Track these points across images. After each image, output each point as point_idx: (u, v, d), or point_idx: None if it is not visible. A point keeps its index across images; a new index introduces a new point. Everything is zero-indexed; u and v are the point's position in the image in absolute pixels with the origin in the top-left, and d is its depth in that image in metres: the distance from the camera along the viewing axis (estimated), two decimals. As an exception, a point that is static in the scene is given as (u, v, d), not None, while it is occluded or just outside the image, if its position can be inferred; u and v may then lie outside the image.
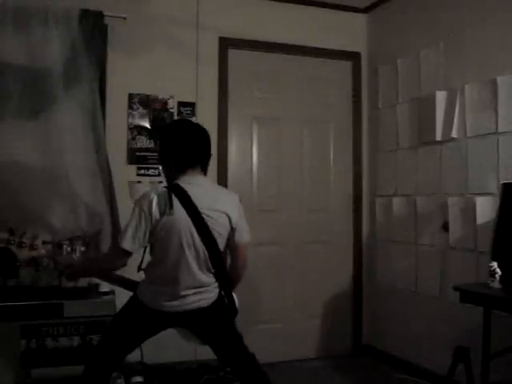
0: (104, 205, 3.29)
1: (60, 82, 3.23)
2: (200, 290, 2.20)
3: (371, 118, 4.26)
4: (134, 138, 3.61)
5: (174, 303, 2.17)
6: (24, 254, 2.14)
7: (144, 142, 3.63)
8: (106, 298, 3.04)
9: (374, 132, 4.19)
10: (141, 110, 3.63)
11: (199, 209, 2.15)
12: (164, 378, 3.29)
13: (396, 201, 3.88)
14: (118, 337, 2.25)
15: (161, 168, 2.41)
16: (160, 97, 3.67)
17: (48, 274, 3.06)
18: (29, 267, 3.07)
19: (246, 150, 3.98)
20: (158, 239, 2.15)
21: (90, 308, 2.96)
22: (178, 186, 2.18)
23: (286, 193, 4.06)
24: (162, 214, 2.10)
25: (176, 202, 2.12)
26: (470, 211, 3.16)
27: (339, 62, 4.25)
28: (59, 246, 3.18)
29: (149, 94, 3.64)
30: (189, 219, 2.13)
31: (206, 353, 2.34)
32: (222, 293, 2.29)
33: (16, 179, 3.10)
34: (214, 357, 2.33)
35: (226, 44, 3.87)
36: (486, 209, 3.03)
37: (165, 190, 2.16)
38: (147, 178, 3.61)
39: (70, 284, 3.03)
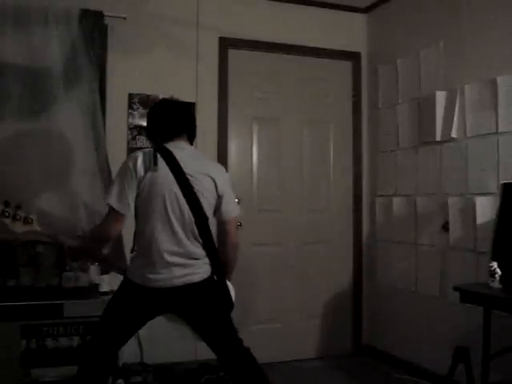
0: (104, 204, 3.29)
1: (60, 82, 3.23)
2: (188, 261, 2.14)
3: (371, 117, 4.26)
4: (134, 138, 3.62)
5: (161, 276, 2.11)
6: (18, 227, 2.11)
7: (144, 141, 3.62)
8: (105, 298, 3.03)
9: (374, 132, 4.20)
10: (141, 110, 3.63)
11: (184, 169, 2.15)
12: (164, 378, 3.29)
13: (396, 201, 3.88)
14: (109, 321, 2.20)
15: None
16: (160, 97, 3.64)
17: (48, 273, 3.06)
18: (29, 267, 3.08)
19: (246, 150, 3.99)
20: (142, 198, 2.13)
21: (90, 308, 2.95)
22: (164, 147, 2.21)
23: (286, 193, 4.06)
24: (146, 170, 2.11)
25: (161, 160, 2.14)
26: (470, 211, 3.16)
27: (339, 62, 4.25)
28: (59, 245, 3.18)
29: (149, 94, 3.64)
30: (173, 177, 2.13)
31: (205, 353, 2.33)
32: (215, 277, 2.23)
33: (16, 179, 3.10)
34: (214, 357, 2.31)
35: (226, 44, 3.87)
36: (486, 209, 3.03)
37: (151, 149, 2.20)
38: (147, 177, 3.60)
39: (70, 284, 3.03)
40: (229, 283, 2.33)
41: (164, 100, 2.47)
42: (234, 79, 3.90)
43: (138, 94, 3.62)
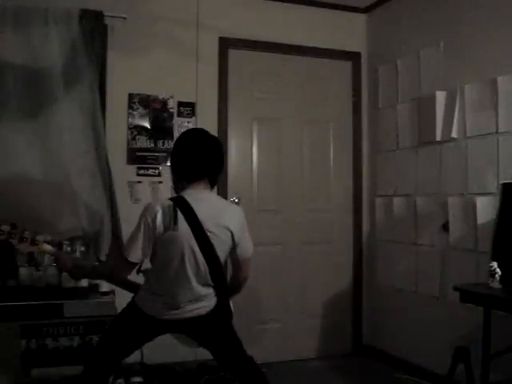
0: (104, 205, 3.30)
1: (60, 82, 3.23)
2: (198, 300, 2.20)
3: (371, 117, 4.26)
4: (134, 138, 3.61)
5: (172, 312, 2.17)
6: (24, 248, 2.13)
7: (144, 142, 3.63)
8: (105, 298, 3.04)
9: (374, 132, 4.20)
10: (141, 110, 3.63)
11: (203, 225, 2.13)
12: (164, 378, 3.29)
13: (396, 201, 3.88)
14: (116, 341, 2.24)
15: (171, 178, 2.37)
16: (160, 97, 3.67)
17: (48, 273, 3.06)
18: (29, 267, 3.07)
19: (246, 150, 3.98)
20: (160, 252, 2.13)
21: (90, 308, 2.95)
22: (183, 199, 2.15)
23: (286, 193, 4.06)
24: (166, 228, 2.09)
25: (181, 218, 2.10)
26: (470, 211, 3.16)
27: (339, 62, 4.25)
28: (59, 245, 3.18)
29: (149, 94, 3.64)
30: (192, 235, 2.11)
31: (205, 353, 2.34)
32: (220, 299, 2.27)
33: (16, 179, 3.10)
34: (214, 357, 2.33)
35: (226, 44, 3.87)
36: (486, 209, 3.03)
37: (170, 203, 2.12)
38: (147, 178, 3.61)
39: (70, 284, 3.03)
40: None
41: (195, 132, 2.36)
42: (233, 79, 3.90)
43: (138, 94, 3.62)
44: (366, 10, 4.28)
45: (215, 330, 2.26)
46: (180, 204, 2.13)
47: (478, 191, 3.13)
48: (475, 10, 3.21)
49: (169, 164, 2.33)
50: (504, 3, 3.02)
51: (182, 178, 2.24)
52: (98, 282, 3.11)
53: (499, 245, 2.72)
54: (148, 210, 2.12)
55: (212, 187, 2.30)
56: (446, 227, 3.36)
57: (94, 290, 3.09)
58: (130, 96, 3.61)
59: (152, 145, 3.64)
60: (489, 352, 2.71)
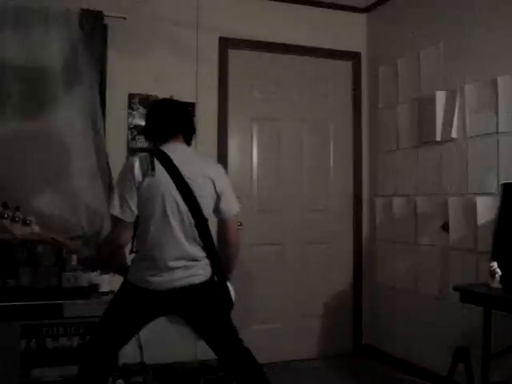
0: (104, 205, 3.29)
1: (60, 82, 3.23)
2: (189, 263, 2.15)
3: (371, 117, 4.26)
4: (133, 138, 3.61)
5: (162, 278, 2.12)
6: (17, 229, 2.12)
7: (144, 141, 3.62)
8: (105, 298, 3.04)
9: (374, 132, 4.20)
10: (141, 110, 3.62)
11: (181, 172, 2.14)
12: (164, 378, 3.29)
13: (396, 201, 3.88)
14: (110, 322, 2.20)
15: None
16: (160, 97, 3.65)
17: (48, 273, 3.06)
18: (29, 267, 3.08)
19: (245, 150, 3.99)
20: (142, 203, 2.12)
21: (90, 308, 2.95)
22: (160, 150, 2.20)
23: (286, 193, 4.06)
24: (144, 175, 2.11)
25: (158, 165, 2.13)
26: (470, 211, 3.16)
27: (339, 62, 4.25)
28: (59, 245, 3.18)
29: (149, 94, 3.64)
30: (171, 181, 2.13)
31: (205, 353, 2.33)
32: (215, 278, 2.24)
33: (16, 179, 3.10)
34: (214, 357, 2.31)
35: (226, 44, 3.87)
36: (486, 209, 3.03)
37: (147, 154, 2.18)
38: (147, 178, 3.60)
39: (70, 284, 3.04)
40: (229, 284, 2.32)
41: (161, 100, 2.47)
42: (234, 79, 3.90)
43: (138, 94, 3.62)
44: (366, 9, 4.28)
45: (209, 305, 2.21)
46: (157, 153, 2.18)
47: (478, 191, 3.13)
48: (475, 10, 3.21)
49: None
50: (504, 3, 3.02)
51: (157, 139, 2.29)
52: (98, 281, 3.12)
53: (499, 245, 2.72)
54: (126, 164, 2.18)
55: (188, 145, 2.35)
56: (445, 227, 3.36)
57: (93, 289, 3.09)
58: (130, 96, 3.61)
59: (152, 145, 3.63)
60: (489, 352, 2.71)
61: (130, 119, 3.61)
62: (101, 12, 3.39)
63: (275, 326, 3.99)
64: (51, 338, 2.94)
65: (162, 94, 3.63)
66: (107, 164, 3.36)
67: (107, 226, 3.27)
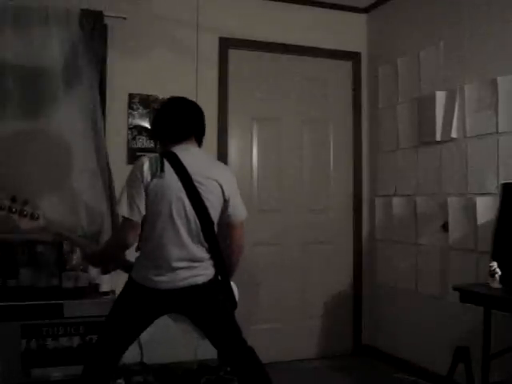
0: (104, 204, 3.29)
1: (60, 82, 3.23)
2: (193, 264, 2.15)
3: (371, 117, 4.26)
4: (134, 138, 3.61)
5: (166, 278, 2.12)
6: (25, 223, 2.11)
7: (144, 141, 3.62)
8: (105, 297, 3.04)
9: (374, 132, 4.20)
10: (141, 110, 3.63)
11: (191, 174, 2.14)
12: (164, 378, 3.29)
13: (396, 201, 3.88)
14: (115, 322, 2.20)
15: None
16: (160, 97, 3.66)
17: (48, 273, 3.06)
18: (29, 267, 3.08)
19: (245, 150, 3.99)
20: (149, 203, 2.12)
21: (90, 308, 2.96)
22: (171, 152, 2.19)
23: (286, 193, 4.06)
24: (152, 176, 2.10)
25: (167, 166, 2.13)
26: (470, 211, 3.16)
27: (339, 62, 4.25)
28: (59, 245, 3.18)
29: (149, 94, 3.64)
30: (180, 184, 2.12)
31: (205, 353, 2.33)
32: (219, 278, 2.24)
33: (16, 179, 3.10)
34: (214, 357, 2.32)
35: (226, 44, 3.87)
36: (486, 209, 3.03)
37: (157, 155, 2.18)
38: (147, 178, 3.60)
39: (70, 284, 3.04)
40: (232, 283, 2.33)
41: (175, 98, 2.42)
42: (233, 79, 3.90)
43: (138, 94, 3.62)
44: (366, 9, 4.28)
45: (212, 304, 2.21)
46: (167, 155, 2.17)
47: (478, 191, 3.13)
48: (475, 10, 3.21)
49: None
50: (504, 3, 3.02)
51: (169, 141, 2.26)
52: (98, 281, 3.12)
53: (499, 245, 2.72)
54: (136, 164, 2.18)
55: (199, 146, 2.32)
56: (445, 227, 3.36)
57: (93, 289, 3.09)
58: (130, 96, 3.61)
59: (152, 145, 3.63)
60: (489, 352, 2.71)
61: (130, 119, 3.61)
62: (101, 12, 3.39)
63: (275, 325, 3.99)
64: (51, 338, 2.94)
65: (162, 94, 3.66)
66: (107, 164, 3.36)
67: (107, 226, 3.28)
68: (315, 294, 4.10)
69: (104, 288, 3.09)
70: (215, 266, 2.23)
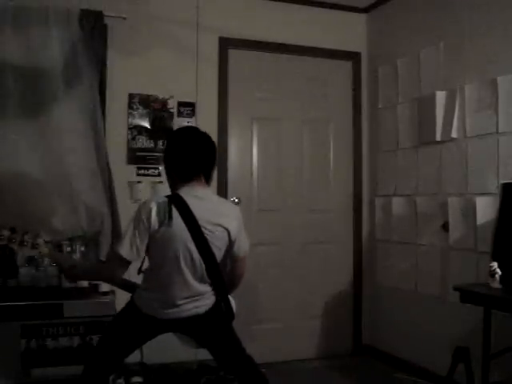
0: (104, 205, 3.29)
1: (60, 82, 3.23)
2: (196, 298, 2.19)
3: (371, 117, 4.26)
4: (133, 138, 3.61)
5: (170, 311, 2.16)
6: (25, 252, 2.13)
7: (144, 142, 3.62)
8: (105, 297, 3.04)
9: (374, 132, 4.20)
10: (141, 110, 3.63)
11: (199, 222, 2.11)
12: (164, 378, 3.29)
13: (396, 201, 3.88)
14: (116, 341, 2.23)
15: (166, 178, 2.35)
16: (160, 97, 3.67)
17: (48, 273, 3.06)
18: (29, 267, 3.08)
19: (245, 150, 3.98)
20: (155, 249, 2.12)
21: (90, 308, 2.96)
22: (178, 196, 2.14)
23: (286, 193, 4.06)
24: (160, 224, 2.07)
25: (175, 214, 2.09)
26: (470, 211, 3.16)
27: (339, 62, 4.25)
28: (59, 245, 3.18)
29: (149, 94, 3.64)
30: (187, 232, 2.10)
31: (205, 353, 2.34)
32: (219, 298, 2.27)
33: (16, 179, 3.10)
34: (214, 357, 2.33)
35: (226, 44, 3.87)
36: (486, 209, 3.03)
37: (165, 199, 2.12)
38: (147, 177, 3.61)
39: (71, 284, 3.03)
40: (230, 297, 2.33)
41: (184, 131, 2.37)
42: (233, 79, 3.90)
43: (138, 94, 3.62)
44: (366, 9, 4.28)
45: (214, 329, 2.26)
46: (175, 200, 2.12)
47: (478, 191, 3.13)
48: (475, 10, 3.21)
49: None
50: (504, 3, 3.02)
51: (178, 178, 2.22)
52: (98, 282, 3.11)
53: (499, 245, 2.72)
54: (143, 206, 2.12)
55: (207, 184, 2.28)
56: (445, 227, 3.36)
57: (93, 289, 3.09)
58: (130, 96, 3.61)
59: (152, 145, 3.64)
60: (489, 352, 2.71)
61: (129, 119, 3.61)
62: (101, 12, 3.39)
63: (275, 325, 3.99)
64: (51, 338, 2.94)
65: (162, 94, 3.67)
66: (107, 164, 3.36)
67: (107, 226, 3.28)
68: (315, 293, 4.10)
69: (104, 288, 3.09)
70: (217, 294, 2.25)
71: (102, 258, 3.26)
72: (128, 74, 3.56)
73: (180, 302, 2.16)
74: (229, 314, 2.29)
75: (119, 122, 3.58)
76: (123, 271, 2.15)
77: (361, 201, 4.27)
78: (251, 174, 3.99)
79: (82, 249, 3.24)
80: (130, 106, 3.61)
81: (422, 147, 3.61)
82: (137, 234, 2.07)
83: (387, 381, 3.63)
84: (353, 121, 4.29)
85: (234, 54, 3.90)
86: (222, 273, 2.25)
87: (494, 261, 2.62)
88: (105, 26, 3.44)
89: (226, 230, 2.20)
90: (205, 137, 2.26)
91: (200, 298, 2.20)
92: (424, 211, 3.58)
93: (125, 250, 2.07)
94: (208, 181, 2.27)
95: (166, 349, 3.33)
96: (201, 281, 2.18)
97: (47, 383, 2.90)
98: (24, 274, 3.03)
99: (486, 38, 3.12)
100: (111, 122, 3.51)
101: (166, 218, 2.07)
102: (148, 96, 3.64)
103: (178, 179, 2.22)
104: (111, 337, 2.26)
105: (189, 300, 2.17)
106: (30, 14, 3.21)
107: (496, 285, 2.57)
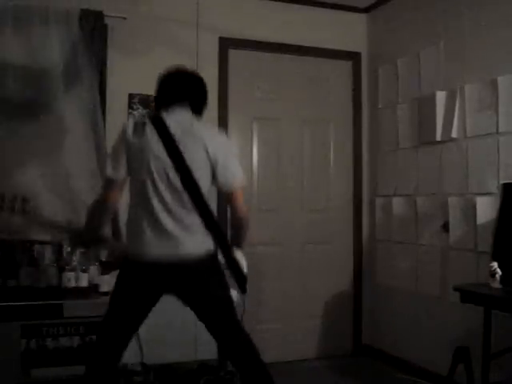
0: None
1: (60, 82, 3.23)
2: (183, 233, 2.08)
3: (371, 117, 4.26)
4: (134, 138, 3.61)
5: (154, 246, 2.06)
6: (17, 219, 2.12)
7: (144, 141, 3.62)
8: (105, 298, 3.03)
9: (374, 132, 4.20)
10: (141, 109, 3.62)
11: (175, 138, 2.11)
12: (164, 378, 3.29)
13: (396, 201, 3.88)
14: (114, 307, 2.19)
15: None
16: (160, 97, 3.66)
17: (48, 273, 3.06)
18: (29, 267, 3.07)
19: (245, 150, 3.98)
20: (131, 162, 2.14)
21: (90, 308, 2.95)
22: (157, 115, 2.21)
23: (286, 193, 4.06)
24: (134, 134, 2.13)
25: (149, 126, 2.13)
26: (470, 211, 3.16)
27: (339, 62, 4.25)
28: (59, 245, 3.18)
29: (149, 94, 3.63)
30: (161, 147, 2.10)
31: (206, 353, 2.33)
32: (220, 252, 2.16)
33: (16, 179, 3.10)
34: (214, 357, 2.31)
35: (226, 44, 3.87)
36: (486, 209, 3.03)
37: (143, 115, 2.23)
38: (147, 177, 3.60)
39: (70, 284, 3.03)
40: (239, 253, 2.21)
41: (171, 67, 2.40)
42: (233, 79, 3.90)
43: (138, 94, 3.62)
44: (366, 9, 4.28)
45: (210, 281, 2.13)
46: (152, 116, 2.20)
47: (478, 191, 3.13)
48: (475, 10, 3.21)
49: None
50: (504, 3, 3.02)
51: (162, 105, 2.26)
52: (98, 281, 3.11)
53: (499, 245, 2.72)
54: (123, 125, 2.20)
55: (196, 115, 2.27)
56: (446, 227, 3.36)
57: (93, 289, 3.09)
58: (130, 96, 3.60)
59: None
60: (489, 352, 2.71)
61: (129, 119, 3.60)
62: (101, 12, 3.39)
63: (275, 325, 3.99)
64: (51, 338, 2.94)
65: (162, 94, 3.65)
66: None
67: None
68: (315, 294, 4.10)
69: (104, 288, 3.08)
70: (213, 237, 2.14)
71: (103, 259, 3.26)
72: (128, 74, 3.56)
73: (166, 228, 2.06)
74: (238, 275, 2.17)
75: (119, 122, 3.55)
76: (115, 193, 2.18)
77: (361, 201, 4.27)
78: (251, 174, 3.98)
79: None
80: (130, 106, 3.61)
81: (422, 147, 3.61)
82: (117, 151, 2.16)
83: (387, 381, 3.63)
84: (353, 121, 4.29)
85: (234, 54, 3.90)
86: (206, 199, 2.13)
87: (494, 261, 2.62)
88: (105, 26, 3.44)
89: (204, 147, 2.12)
90: (189, 70, 2.37)
91: (190, 233, 2.08)
92: (424, 211, 3.58)
93: (108, 170, 2.17)
94: (196, 112, 2.28)
95: (166, 349, 3.35)
96: (183, 207, 2.09)
97: (47, 383, 2.90)
98: (24, 274, 3.03)
99: (486, 37, 3.12)
100: (111, 122, 3.50)
101: (139, 129, 2.13)
102: (148, 96, 3.62)
103: (163, 107, 2.25)
104: (111, 305, 2.20)
105: (176, 230, 2.06)
106: (30, 14, 3.21)
107: (496, 285, 2.58)
